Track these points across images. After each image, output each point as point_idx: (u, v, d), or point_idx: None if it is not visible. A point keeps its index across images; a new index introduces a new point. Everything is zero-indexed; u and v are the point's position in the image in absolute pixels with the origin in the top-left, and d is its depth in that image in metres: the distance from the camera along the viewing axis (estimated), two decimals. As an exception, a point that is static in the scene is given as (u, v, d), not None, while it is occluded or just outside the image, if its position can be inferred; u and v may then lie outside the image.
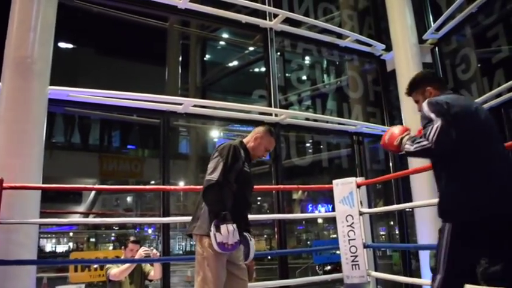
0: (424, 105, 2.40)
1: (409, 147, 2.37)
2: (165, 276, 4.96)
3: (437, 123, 2.24)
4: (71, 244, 24.08)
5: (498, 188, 2.20)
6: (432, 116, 2.30)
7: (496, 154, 2.31)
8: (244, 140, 3.10)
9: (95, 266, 5.03)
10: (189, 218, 3.01)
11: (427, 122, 2.32)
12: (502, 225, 2.19)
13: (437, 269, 2.28)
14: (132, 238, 4.55)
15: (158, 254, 4.49)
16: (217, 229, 2.60)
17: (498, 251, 2.31)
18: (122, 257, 4.54)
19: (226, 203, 2.71)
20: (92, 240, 22.64)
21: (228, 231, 2.58)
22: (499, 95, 5.80)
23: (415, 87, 2.70)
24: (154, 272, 4.46)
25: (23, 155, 4.28)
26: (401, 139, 2.46)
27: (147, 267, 4.51)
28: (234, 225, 2.63)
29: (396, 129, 2.57)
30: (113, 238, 22.21)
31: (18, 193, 3.99)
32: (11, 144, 4.27)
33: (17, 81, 4.44)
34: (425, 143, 2.26)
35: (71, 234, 23.71)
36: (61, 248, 23.53)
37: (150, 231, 23.44)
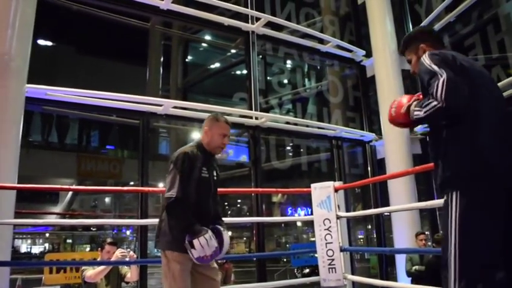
0: (425, 57, 2.03)
1: (418, 113, 2.01)
2: (142, 279, 4.93)
3: (443, 75, 1.89)
4: (46, 245, 23.65)
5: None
6: (435, 68, 1.95)
7: (501, 118, 1.96)
8: (201, 139, 2.88)
9: (71, 267, 4.96)
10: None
11: (429, 77, 1.95)
12: None
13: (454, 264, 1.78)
14: (109, 240, 4.49)
15: (135, 256, 4.45)
16: (191, 245, 2.52)
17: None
18: (99, 259, 4.48)
19: (191, 216, 2.60)
20: (69, 241, 22.27)
21: (202, 245, 2.51)
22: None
23: (408, 44, 2.36)
24: (131, 274, 4.42)
25: (-2, 154, 4.21)
26: (409, 106, 2.12)
27: (124, 269, 4.46)
28: (207, 234, 2.54)
29: (403, 99, 2.22)
30: (90, 240, 21.91)
31: (-8, 193, 3.92)
32: (-14, 142, 4.19)
33: (-7, 78, 4.37)
34: (434, 103, 1.89)
35: (47, 235, 23.30)
36: (36, 249, 23.08)
37: (128, 232, 23.16)
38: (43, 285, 5.13)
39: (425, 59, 2.02)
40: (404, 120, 2.17)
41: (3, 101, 4.37)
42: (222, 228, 2.79)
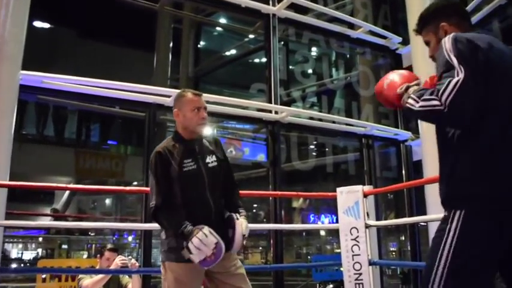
0: (446, 42, 1.85)
1: (412, 102, 1.85)
2: (144, 290, 4.97)
3: (459, 75, 1.73)
4: (40, 250, 24.01)
5: None
6: (454, 61, 1.78)
7: None
8: (176, 128, 2.82)
9: (66, 276, 5.04)
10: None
11: (444, 69, 1.81)
12: None
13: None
14: (109, 246, 4.55)
15: (137, 264, 4.50)
16: (188, 250, 2.49)
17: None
18: (97, 267, 4.54)
19: (179, 219, 2.58)
20: (64, 246, 22.57)
21: (197, 246, 2.46)
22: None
23: (426, 21, 2.13)
24: (132, 284, 4.47)
25: (-12, 147, 4.29)
26: (408, 88, 1.95)
27: (125, 278, 4.51)
28: (200, 232, 2.48)
29: (400, 74, 2.05)
30: (88, 245, 22.17)
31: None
32: (-25, 134, 4.28)
33: (-16, 64, 4.46)
34: (435, 102, 1.75)
35: (40, 239, 23.66)
36: (29, 255, 23.46)
37: (130, 238, 23.34)
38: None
39: (447, 44, 1.84)
40: (394, 100, 2.03)
41: (-5, 88, 4.45)
42: (235, 217, 2.74)
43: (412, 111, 1.85)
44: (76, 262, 7.47)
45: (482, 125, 1.79)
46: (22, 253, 23.86)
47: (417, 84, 1.96)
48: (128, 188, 5.12)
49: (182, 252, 2.52)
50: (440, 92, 1.74)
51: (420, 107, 1.81)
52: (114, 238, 19.97)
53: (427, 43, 2.14)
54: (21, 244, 24.22)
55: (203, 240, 2.46)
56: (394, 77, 2.05)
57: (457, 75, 1.73)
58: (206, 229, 2.51)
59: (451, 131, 1.88)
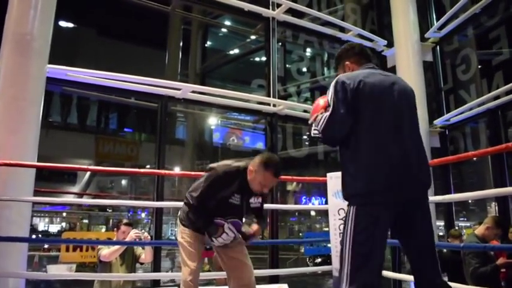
0: (333, 83, 2.25)
1: (313, 130, 2.29)
2: (155, 260, 4.99)
3: (329, 110, 2.17)
4: (63, 224, 24.11)
5: (385, 174, 2.08)
6: (329, 100, 2.22)
7: (396, 137, 2.14)
8: (248, 170, 2.81)
9: (86, 246, 5.06)
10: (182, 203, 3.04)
11: (327, 105, 2.25)
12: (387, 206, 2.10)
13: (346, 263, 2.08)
14: (124, 220, 4.57)
15: (149, 237, 4.51)
16: (213, 242, 2.86)
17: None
18: (114, 239, 4.56)
19: (207, 219, 2.82)
20: (85, 221, 22.66)
21: (221, 242, 2.84)
22: (497, 97, 5.81)
23: (337, 61, 2.56)
24: (145, 255, 4.49)
25: (19, 132, 4.28)
26: (316, 118, 2.29)
27: (138, 250, 4.53)
28: (224, 234, 2.80)
29: (321, 103, 2.34)
30: (105, 221, 22.25)
31: (13, 170, 4.00)
32: (7, 121, 4.25)
33: (15, 58, 4.42)
34: (316, 131, 2.24)
35: (64, 214, 23.74)
36: (54, 228, 23.55)
37: (143, 215, 23.48)
38: (59, 262, 5.25)
39: (331, 86, 2.23)
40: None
41: (25, 80, 4.42)
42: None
43: (313, 134, 2.29)
44: (95, 235, 7.49)
45: (352, 140, 2.15)
46: (48, 226, 23.96)
47: (322, 113, 2.26)
48: (141, 170, 5.12)
49: (208, 241, 2.90)
50: (318, 124, 2.21)
51: (313, 134, 2.28)
52: (129, 214, 20.06)
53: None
54: (47, 218, 24.31)
55: (226, 238, 2.81)
56: (317, 105, 2.37)
57: (328, 111, 2.18)
58: (226, 227, 2.80)
59: (341, 147, 2.26)
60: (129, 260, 4.46)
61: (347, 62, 2.45)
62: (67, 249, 5.10)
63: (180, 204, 3.07)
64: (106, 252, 4.22)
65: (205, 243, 2.95)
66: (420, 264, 2.20)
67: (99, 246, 4.39)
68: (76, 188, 19.84)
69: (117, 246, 4.21)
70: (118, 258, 4.34)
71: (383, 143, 2.11)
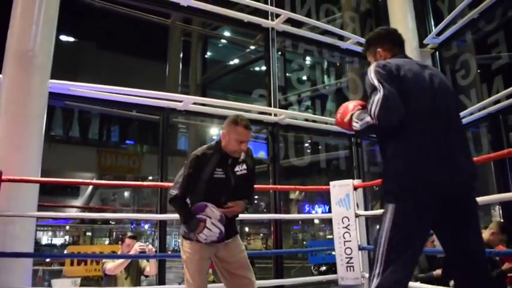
0: (370, 69, 2.07)
1: (355, 124, 2.09)
2: (160, 272, 4.97)
3: (380, 92, 1.94)
4: (67, 237, 24.10)
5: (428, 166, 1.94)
6: (375, 82, 2.00)
7: (443, 132, 2.00)
8: (220, 139, 2.87)
9: (91, 260, 5.05)
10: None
11: (370, 91, 2.02)
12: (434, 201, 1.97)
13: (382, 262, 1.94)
14: (129, 234, 4.58)
15: (154, 250, 4.52)
16: (197, 239, 2.72)
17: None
18: (119, 252, 4.56)
19: (189, 212, 2.74)
20: (88, 234, 22.66)
21: (205, 239, 2.70)
22: (498, 101, 5.82)
23: (367, 47, 2.38)
24: (150, 267, 4.49)
25: (22, 148, 4.29)
26: (352, 116, 2.14)
27: (143, 262, 4.54)
28: (205, 228, 2.67)
29: (351, 104, 2.22)
30: (108, 233, 22.22)
31: (17, 186, 4.00)
32: (11, 137, 4.28)
33: (18, 74, 4.46)
34: (368, 119, 1.99)
35: (67, 227, 23.73)
36: (57, 241, 23.56)
37: (146, 226, 23.47)
38: (63, 276, 5.24)
39: (370, 72, 2.05)
40: (348, 128, 2.20)
41: (28, 96, 4.45)
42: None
43: (357, 131, 2.10)
44: (100, 248, 7.47)
45: (401, 134, 1.99)
46: (51, 240, 23.95)
47: (359, 110, 2.15)
48: (145, 183, 5.11)
49: (189, 233, 2.75)
50: (369, 108, 1.97)
51: (360, 126, 2.05)
52: (132, 226, 20.03)
53: (370, 62, 2.30)
54: (51, 232, 24.29)
55: (209, 234, 2.69)
56: (341, 110, 2.24)
57: (378, 93, 1.95)
58: (209, 223, 2.68)
59: (385, 139, 2.07)
60: (134, 273, 4.46)
61: (379, 49, 2.28)
62: (71, 263, 5.10)
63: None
64: (111, 265, 4.22)
65: (210, 256, 2.85)
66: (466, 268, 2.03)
67: (104, 260, 4.39)
68: (79, 201, 19.86)
69: (121, 260, 4.22)
70: (123, 272, 4.34)
71: (429, 137, 1.96)
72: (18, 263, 4.02)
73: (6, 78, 4.43)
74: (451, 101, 2.11)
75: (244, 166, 2.88)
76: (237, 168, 2.85)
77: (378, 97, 1.94)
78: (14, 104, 4.38)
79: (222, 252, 2.83)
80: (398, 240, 1.93)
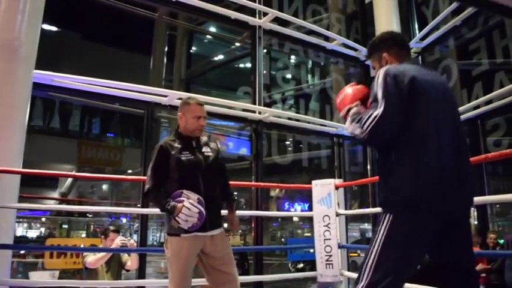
0: (380, 74, 1.96)
1: (348, 124, 2.02)
2: (140, 267, 4.98)
3: (380, 109, 1.87)
4: (43, 229, 23.73)
5: (426, 181, 1.85)
6: (379, 95, 1.91)
7: (449, 143, 1.91)
8: (178, 126, 2.94)
9: (70, 253, 5.03)
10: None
11: (372, 99, 1.95)
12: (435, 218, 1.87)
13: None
14: (112, 228, 4.56)
15: (135, 244, 4.51)
16: (177, 222, 2.66)
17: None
18: (101, 246, 4.55)
19: (164, 199, 2.73)
20: (65, 226, 22.32)
21: (184, 219, 2.64)
22: (477, 107, 5.98)
23: (372, 51, 2.25)
24: (131, 262, 4.48)
25: (4, 139, 4.24)
26: (349, 110, 2.06)
27: (124, 256, 4.52)
28: (184, 208, 2.63)
29: (350, 92, 2.13)
30: (86, 226, 21.96)
31: (-1, 176, 3.96)
32: (-7, 127, 4.22)
33: (2, 64, 4.38)
34: (359, 130, 1.92)
35: (43, 219, 23.36)
36: (33, 233, 23.17)
37: (124, 220, 23.27)
38: (38, 269, 5.20)
39: (378, 78, 1.96)
40: (343, 116, 2.14)
41: (11, 86, 4.38)
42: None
43: (348, 130, 2.03)
44: (80, 241, 7.44)
45: (405, 142, 1.90)
46: (27, 231, 23.55)
47: (357, 105, 2.06)
48: (129, 177, 5.10)
49: (171, 224, 2.72)
50: (363, 122, 1.90)
51: (351, 131, 1.98)
52: (110, 220, 19.82)
53: (374, 67, 2.24)
54: (26, 223, 23.89)
55: (187, 213, 2.63)
56: (340, 97, 2.17)
57: (378, 109, 1.87)
58: (187, 202, 2.66)
59: (388, 146, 1.96)
60: (115, 266, 4.45)
61: (385, 54, 2.15)
62: (51, 256, 5.07)
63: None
64: (92, 259, 4.20)
65: (197, 253, 2.81)
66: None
67: (85, 253, 4.37)
68: (57, 194, 19.56)
69: (103, 253, 4.21)
70: (104, 265, 4.33)
71: (436, 148, 1.86)
72: (-3, 254, 3.98)
73: (-10, 67, 4.36)
74: (457, 112, 2.07)
75: (209, 149, 2.92)
76: (203, 150, 2.89)
77: (375, 114, 1.87)
78: (-2, 93, 4.32)
79: (209, 247, 2.79)
80: (391, 254, 1.83)
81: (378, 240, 1.87)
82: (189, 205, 2.65)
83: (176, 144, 2.82)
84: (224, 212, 3.09)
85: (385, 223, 1.89)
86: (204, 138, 2.96)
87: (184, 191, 2.71)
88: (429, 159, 1.85)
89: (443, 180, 1.84)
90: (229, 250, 2.91)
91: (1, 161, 4.01)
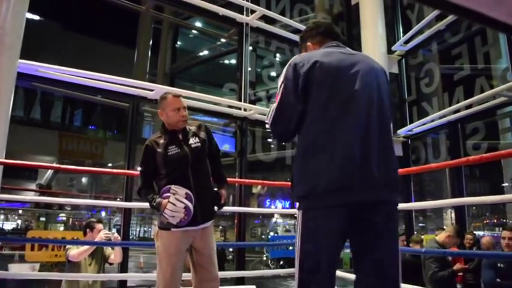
0: (286, 65, 1.92)
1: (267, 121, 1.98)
2: (123, 261, 4.97)
3: (276, 101, 1.86)
4: (19, 222, 23.35)
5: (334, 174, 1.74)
6: (278, 86, 1.89)
7: (351, 128, 1.77)
8: (163, 124, 2.95)
9: (52, 245, 4.99)
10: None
11: (276, 92, 1.93)
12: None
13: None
14: (94, 220, 4.54)
15: (119, 238, 4.50)
16: (165, 217, 2.69)
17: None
18: (86, 238, 4.51)
19: (152, 195, 2.80)
20: (42, 219, 21.97)
21: (170, 214, 2.66)
22: (458, 110, 6.12)
23: (300, 42, 2.21)
24: (114, 255, 4.46)
25: (-13, 128, 4.20)
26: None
27: (108, 250, 4.49)
28: (169, 203, 2.66)
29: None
30: (64, 219, 21.69)
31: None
32: (-25, 116, 4.17)
33: (-14, 52, 4.34)
34: (268, 124, 1.93)
35: (20, 211, 22.99)
36: (9, 226, 22.79)
37: (103, 214, 23.07)
38: (15, 261, 5.14)
39: (284, 70, 1.92)
40: None
41: (-5, 75, 4.34)
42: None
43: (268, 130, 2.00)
44: (62, 234, 7.36)
45: (302, 131, 1.85)
46: (3, 224, 23.15)
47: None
48: (115, 170, 5.08)
49: (161, 219, 2.77)
50: (267, 115, 1.93)
51: (268, 128, 1.97)
52: (90, 213, 19.62)
53: None
54: (2, 215, 23.48)
55: (173, 209, 2.66)
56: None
57: (276, 101, 1.88)
58: (172, 198, 2.68)
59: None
60: (98, 260, 4.43)
61: (309, 43, 2.13)
62: (32, 248, 5.02)
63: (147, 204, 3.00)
64: (75, 252, 4.17)
65: (187, 247, 2.84)
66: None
67: (68, 246, 4.34)
68: (35, 185, 19.25)
69: (86, 247, 4.18)
70: (87, 258, 4.30)
71: (333, 134, 1.76)
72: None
73: (-26, 56, 4.30)
74: (377, 92, 1.87)
75: (197, 139, 2.90)
76: (191, 141, 2.88)
77: (273, 107, 1.90)
78: (-19, 82, 4.26)
79: (198, 242, 2.82)
80: (306, 251, 1.78)
81: (296, 239, 1.84)
82: (175, 201, 2.66)
83: (161, 141, 2.85)
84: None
85: (298, 221, 1.85)
86: (192, 128, 2.95)
87: (172, 186, 2.72)
88: (322, 149, 1.76)
89: (340, 169, 1.72)
90: (214, 246, 2.95)
91: (-17, 151, 3.97)
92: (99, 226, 4.34)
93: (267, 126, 1.94)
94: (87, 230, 4.38)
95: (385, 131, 1.86)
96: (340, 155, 1.73)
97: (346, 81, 1.82)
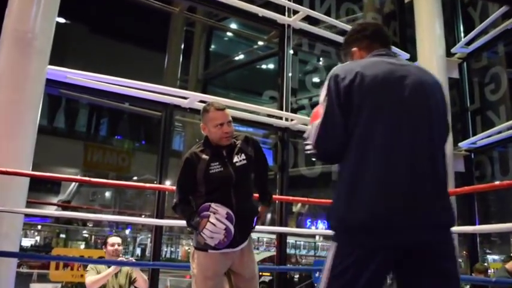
0: (326, 79, 1.85)
1: (306, 144, 1.90)
2: (153, 283, 5.01)
3: (320, 118, 1.77)
4: (38, 238, 23.94)
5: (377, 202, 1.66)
6: (321, 99, 1.81)
7: (401, 151, 1.70)
8: (206, 136, 2.91)
9: (78, 265, 5.08)
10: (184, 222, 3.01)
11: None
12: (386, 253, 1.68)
13: None
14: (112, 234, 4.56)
15: (131, 259, 4.52)
16: (203, 238, 2.68)
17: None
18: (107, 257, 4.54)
19: (190, 212, 2.80)
20: (62, 236, 22.47)
21: (209, 235, 2.66)
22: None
23: (344, 47, 2.11)
24: (138, 281, 4.45)
25: (15, 138, 4.34)
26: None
27: (133, 272, 4.50)
28: (209, 224, 2.65)
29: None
30: (86, 235, 22.14)
31: (7, 179, 4.00)
32: (3, 125, 4.31)
33: (15, 57, 4.48)
34: (310, 146, 1.84)
35: (39, 227, 23.58)
36: (26, 242, 23.39)
37: (127, 231, 23.29)
38: (33, 281, 5.25)
39: (325, 82, 1.84)
40: None
41: (24, 81, 4.46)
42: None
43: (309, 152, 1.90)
44: (88, 253, 7.50)
45: (347, 153, 1.76)
46: (21, 240, 23.80)
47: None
48: (148, 184, 5.16)
49: (198, 239, 2.76)
50: (310, 135, 1.83)
51: (308, 151, 1.87)
52: (113, 230, 19.93)
53: None
54: (22, 231, 24.15)
55: (213, 229, 2.65)
56: (313, 114, 1.93)
57: (319, 118, 1.78)
58: (213, 218, 2.67)
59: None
60: (123, 280, 4.43)
61: (354, 48, 2.01)
62: (56, 267, 5.14)
63: (183, 222, 3.02)
64: (89, 280, 4.18)
65: (225, 271, 2.85)
66: None
67: (88, 268, 4.35)
68: (57, 199, 19.77)
69: (102, 275, 4.18)
70: (110, 280, 4.30)
71: (377, 159, 1.68)
72: (2, 262, 4.05)
73: (2, 61, 4.45)
74: (430, 109, 1.79)
75: (243, 156, 2.87)
76: (235, 159, 2.85)
77: (317, 123, 1.79)
78: (9, 89, 4.40)
79: (238, 264, 2.83)
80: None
81: (324, 272, 1.74)
82: (215, 221, 2.66)
83: (204, 155, 2.81)
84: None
85: (330, 252, 1.76)
86: (238, 143, 2.92)
87: (212, 205, 2.72)
88: (368, 175, 1.67)
89: (386, 201, 1.65)
90: (255, 268, 2.95)
91: (10, 161, 4.06)
92: (110, 240, 4.36)
93: (308, 147, 1.85)
94: (103, 246, 4.43)
95: (438, 156, 1.77)
96: (384, 184, 1.66)
97: (393, 99, 1.75)
